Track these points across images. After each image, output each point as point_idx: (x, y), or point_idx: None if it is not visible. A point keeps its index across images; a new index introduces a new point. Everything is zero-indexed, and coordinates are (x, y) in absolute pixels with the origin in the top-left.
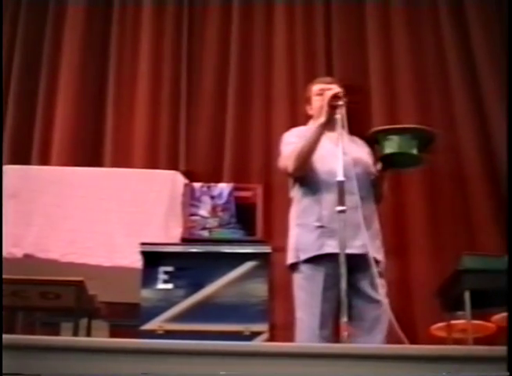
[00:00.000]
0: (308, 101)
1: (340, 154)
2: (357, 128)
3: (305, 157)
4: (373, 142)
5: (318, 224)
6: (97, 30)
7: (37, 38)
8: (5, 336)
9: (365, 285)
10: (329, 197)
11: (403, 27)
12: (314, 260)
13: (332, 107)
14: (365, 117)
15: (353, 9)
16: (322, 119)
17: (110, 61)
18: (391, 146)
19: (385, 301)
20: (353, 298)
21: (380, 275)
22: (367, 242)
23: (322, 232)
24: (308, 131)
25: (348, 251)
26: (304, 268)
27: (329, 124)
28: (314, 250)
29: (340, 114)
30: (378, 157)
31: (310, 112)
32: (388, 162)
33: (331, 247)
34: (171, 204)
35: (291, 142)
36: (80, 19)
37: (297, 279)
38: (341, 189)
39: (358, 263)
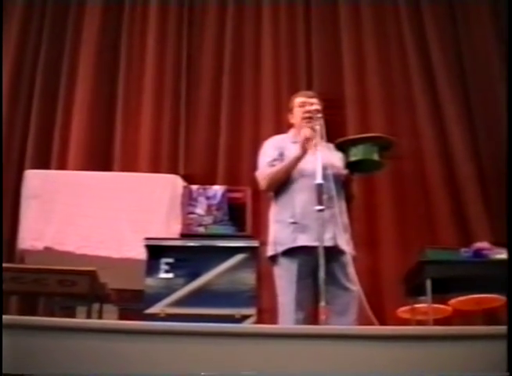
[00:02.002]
0: (290, 111)
1: (319, 160)
2: (333, 134)
3: (277, 181)
4: (341, 150)
5: (292, 220)
6: (109, 37)
7: (57, 51)
8: (27, 318)
9: (337, 273)
10: (301, 197)
11: (373, 36)
12: (289, 252)
13: (307, 141)
14: (340, 123)
15: (329, 16)
16: (299, 152)
17: (119, 78)
18: (355, 154)
19: (355, 288)
20: (327, 284)
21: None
22: (337, 235)
23: (296, 227)
24: (286, 161)
25: (318, 243)
26: (281, 259)
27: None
28: (288, 243)
29: (320, 125)
30: (345, 163)
31: (291, 121)
32: (354, 168)
33: (302, 240)
34: (172, 203)
35: (268, 154)
36: (95, 27)
37: (276, 269)
38: (320, 190)
39: (329, 254)
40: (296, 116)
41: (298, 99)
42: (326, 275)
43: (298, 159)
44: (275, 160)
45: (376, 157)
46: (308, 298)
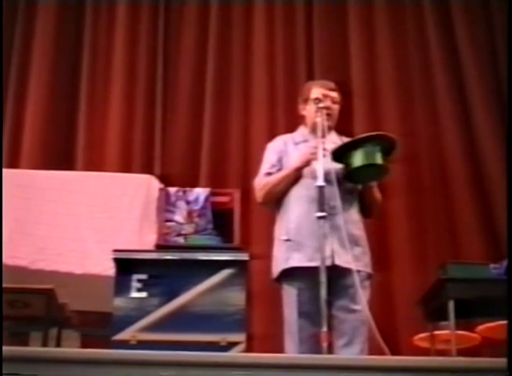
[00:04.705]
0: (305, 101)
1: (321, 159)
2: (338, 131)
3: (274, 194)
4: (338, 160)
5: (285, 238)
6: (69, 30)
7: (6, 37)
8: None
9: (341, 295)
10: (297, 208)
11: (387, 28)
12: (288, 275)
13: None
14: (347, 120)
15: (335, 10)
16: (299, 164)
17: (83, 62)
18: (354, 160)
19: (365, 309)
20: (332, 308)
21: (360, 284)
22: (336, 252)
23: (289, 245)
24: (284, 172)
25: (314, 263)
26: (282, 283)
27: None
28: (282, 264)
29: (321, 118)
30: (345, 174)
31: (303, 112)
32: (355, 177)
33: (296, 260)
34: (146, 209)
35: (268, 159)
36: (51, 18)
37: (282, 294)
38: (321, 194)
39: (330, 274)
40: (310, 110)
41: (317, 90)
42: (330, 298)
43: (297, 170)
44: (273, 166)
45: (379, 160)
46: (314, 326)
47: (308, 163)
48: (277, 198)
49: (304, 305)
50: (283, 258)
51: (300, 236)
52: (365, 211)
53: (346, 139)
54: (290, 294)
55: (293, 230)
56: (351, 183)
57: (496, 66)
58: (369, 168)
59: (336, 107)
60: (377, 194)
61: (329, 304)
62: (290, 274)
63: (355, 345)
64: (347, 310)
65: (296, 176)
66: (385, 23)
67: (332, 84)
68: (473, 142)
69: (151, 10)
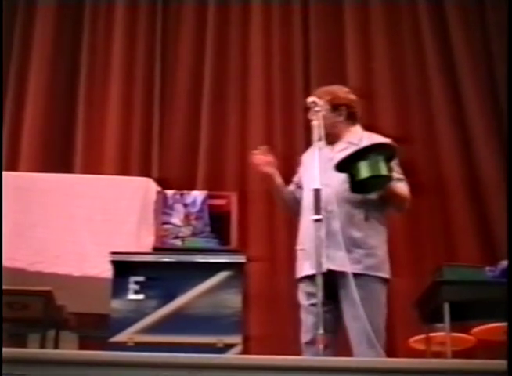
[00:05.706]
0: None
1: (317, 162)
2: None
3: (282, 209)
4: (342, 171)
5: (299, 247)
6: (68, 31)
7: (5, 37)
8: None
9: (342, 299)
10: (304, 219)
11: (382, 30)
12: (300, 282)
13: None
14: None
15: (331, 12)
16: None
17: (81, 64)
18: (359, 172)
19: (362, 314)
20: (340, 311)
21: (360, 287)
22: (331, 257)
23: (301, 254)
24: None
25: (312, 271)
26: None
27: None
28: (299, 273)
29: (317, 121)
30: (349, 185)
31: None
32: (359, 188)
33: (306, 268)
34: (143, 212)
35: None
36: (50, 19)
37: None
38: (317, 197)
39: (332, 280)
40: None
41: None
42: (336, 304)
43: (270, 190)
44: (293, 181)
45: (384, 171)
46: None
47: (267, 178)
48: (288, 210)
49: (310, 308)
50: (298, 267)
51: (309, 244)
52: (394, 208)
53: (365, 136)
54: (301, 299)
55: (303, 240)
56: (357, 194)
57: (491, 68)
58: (373, 178)
59: (314, 114)
60: (400, 190)
61: (339, 310)
62: (301, 281)
63: (366, 350)
64: (350, 316)
65: (277, 194)
66: (381, 25)
67: (315, 94)
68: (468, 145)
69: (149, 11)
